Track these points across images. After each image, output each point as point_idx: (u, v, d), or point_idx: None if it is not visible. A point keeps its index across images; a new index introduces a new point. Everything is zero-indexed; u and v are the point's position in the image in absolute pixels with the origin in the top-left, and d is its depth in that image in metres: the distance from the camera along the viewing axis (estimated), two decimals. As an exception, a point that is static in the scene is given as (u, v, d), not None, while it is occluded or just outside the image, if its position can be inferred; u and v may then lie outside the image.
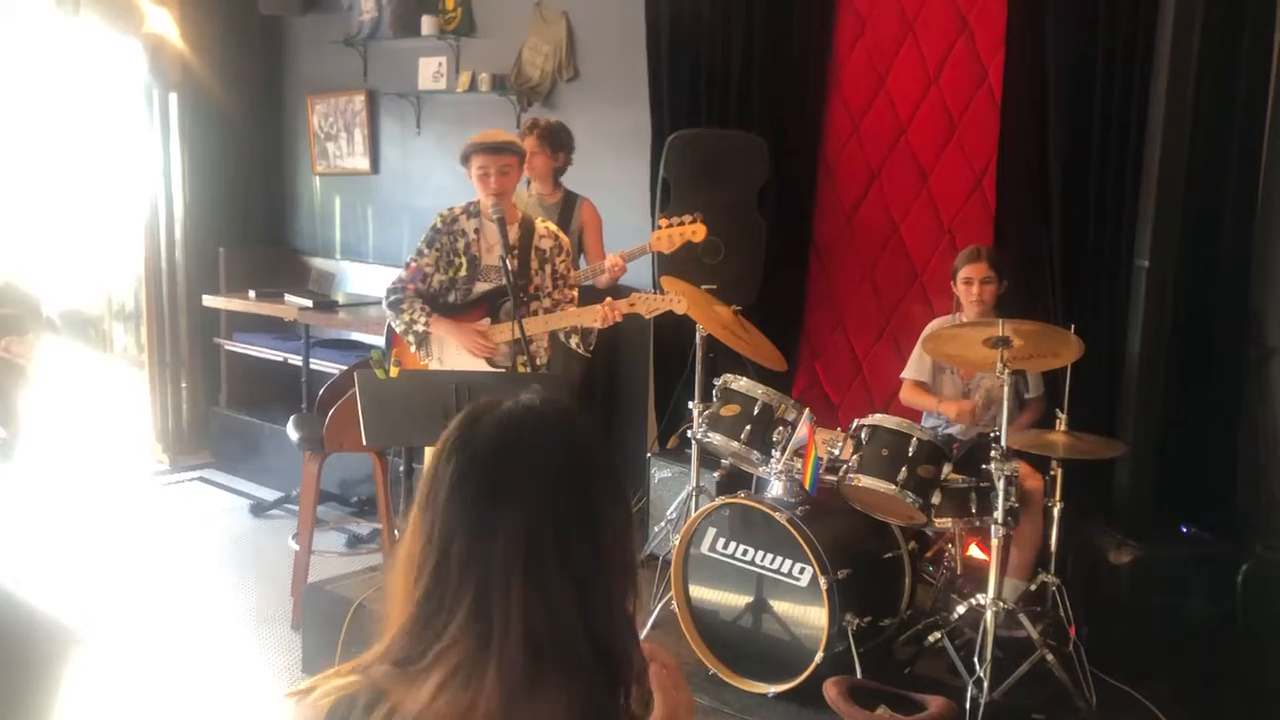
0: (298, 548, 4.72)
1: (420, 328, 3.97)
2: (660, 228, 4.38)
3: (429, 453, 4.11)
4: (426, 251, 4.03)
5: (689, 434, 4.17)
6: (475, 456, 1.25)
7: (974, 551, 4.07)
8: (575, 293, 4.12)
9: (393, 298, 4.04)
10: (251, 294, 6.53)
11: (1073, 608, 3.63)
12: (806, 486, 3.62)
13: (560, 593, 1.21)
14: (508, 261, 3.82)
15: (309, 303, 6.23)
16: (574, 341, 4.05)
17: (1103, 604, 3.82)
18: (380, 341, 4.37)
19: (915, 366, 4.31)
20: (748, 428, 3.81)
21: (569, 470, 1.26)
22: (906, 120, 4.88)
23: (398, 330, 4.06)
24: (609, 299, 3.90)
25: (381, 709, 1.20)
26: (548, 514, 1.22)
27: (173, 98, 6.80)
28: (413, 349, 4.04)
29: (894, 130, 4.91)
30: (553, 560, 1.21)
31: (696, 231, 4.33)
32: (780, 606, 3.58)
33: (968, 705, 3.31)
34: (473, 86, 6.11)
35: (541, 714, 1.20)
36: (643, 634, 3.74)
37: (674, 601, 3.73)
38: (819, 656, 3.43)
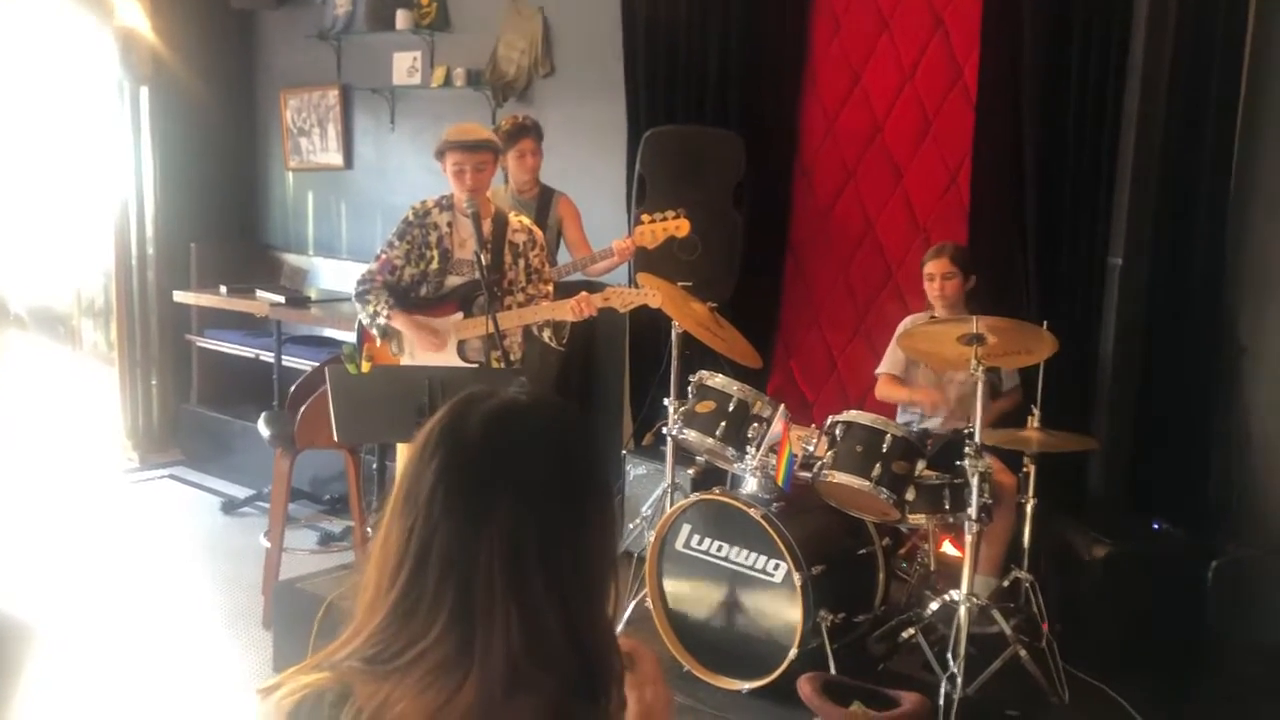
0: (269, 545, 4.68)
1: (382, 320, 3.94)
2: (643, 223, 4.35)
3: (401, 449, 4.07)
4: (397, 244, 3.99)
5: (664, 430, 4.15)
6: (462, 455, 1.22)
7: (947, 548, 4.08)
8: (550, 287, 4.10)
9: (360, 289, 4.00)
10: (223, 290, 6.46)
11: (1046, 604, 3.65)
12: (781, 483, 3.62)
13: (544, 599, 1.19)
14: (482, 256, 3.79)
15: (281, 299, 6.17)
16: (546, 335, 4.03)
17: (1075, 600, 3.83)
18: (352, 337, 4.33)
19: (890, 361, 4.32)
20: (723, 424, 3.80)
21: (557, 476, 1.23)
22: (882, 118, 4.88)
23: (364, 322, 4.02)
24: (583, 292, 3.88)
25: (349, 707, 1.18)
26: (534, 520, 1.19)
27: (144, 92, 6.73)
28: (378, 341, 4.00)
29: (869, 128, 4.91)
30: (536, 567, 1.19)
31: (680, 227, 4.31)
32: (755, 603, 3.57)
33: (941, 701, 3.31)
34: (447, 82, 6.08)
35: (517, 716, 1.18)
36: (617, 631, 3.73)
37: (648, 598, 3.72)
38: (793, 653, 3.42)
